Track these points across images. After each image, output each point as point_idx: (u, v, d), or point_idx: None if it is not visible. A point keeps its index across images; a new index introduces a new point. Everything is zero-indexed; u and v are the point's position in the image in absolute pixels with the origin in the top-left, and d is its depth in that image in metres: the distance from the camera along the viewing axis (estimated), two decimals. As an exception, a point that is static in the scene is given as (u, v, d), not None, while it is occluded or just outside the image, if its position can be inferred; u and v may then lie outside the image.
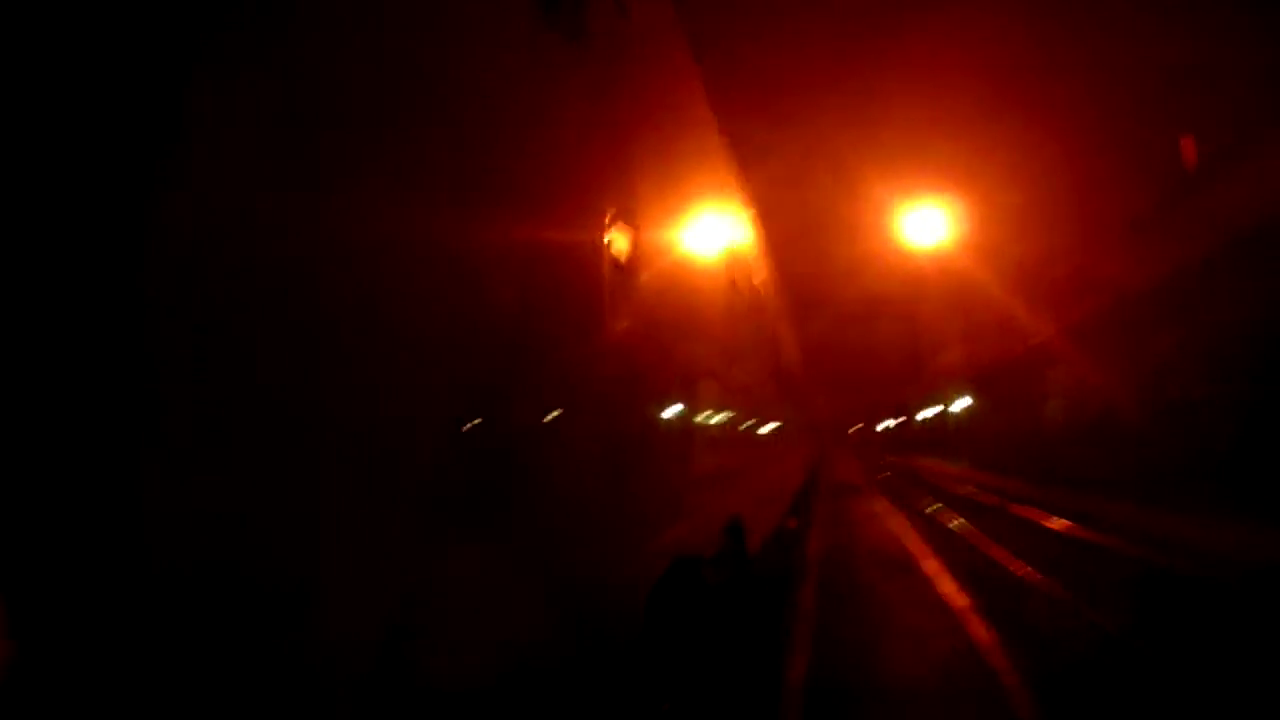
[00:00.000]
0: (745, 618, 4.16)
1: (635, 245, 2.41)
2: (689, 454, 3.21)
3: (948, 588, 6.06)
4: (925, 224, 21.91)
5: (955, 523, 10.74)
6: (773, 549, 6.11)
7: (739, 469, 4.69)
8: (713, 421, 3.78)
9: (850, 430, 73.50)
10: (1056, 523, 9.93)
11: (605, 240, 2.15)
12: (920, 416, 43.40)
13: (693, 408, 3.29)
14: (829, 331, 32.41)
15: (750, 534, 4.44)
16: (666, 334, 2.96)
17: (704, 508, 3.37)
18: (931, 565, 7.10)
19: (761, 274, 6.87)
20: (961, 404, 32.29)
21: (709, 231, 4.08)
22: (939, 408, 37.68)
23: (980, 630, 4.76)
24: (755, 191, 6.29)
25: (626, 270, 2.33)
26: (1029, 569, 6.60)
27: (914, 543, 8.80)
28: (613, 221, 2.20)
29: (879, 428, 65.88)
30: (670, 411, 2.93)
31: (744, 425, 5.18)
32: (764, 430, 6.62)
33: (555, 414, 1.76)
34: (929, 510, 12.90)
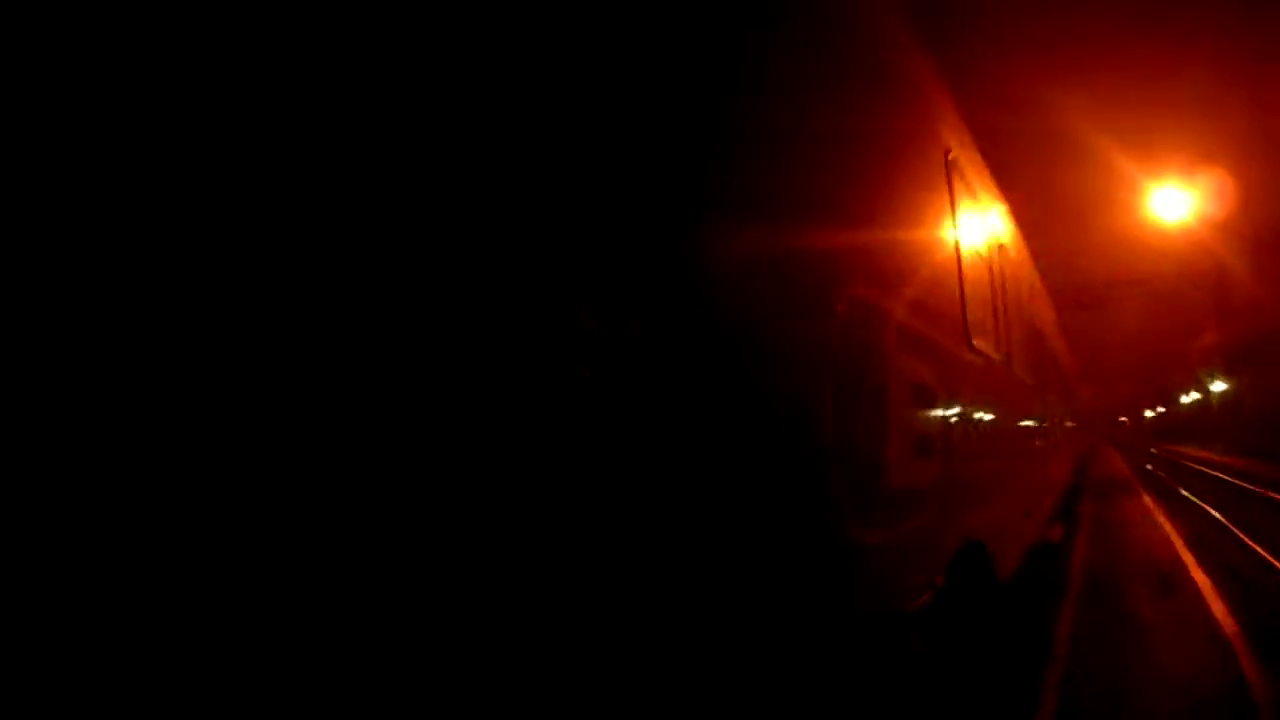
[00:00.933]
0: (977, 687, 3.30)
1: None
2: (911, 456, 2.64)
3: (1216, 608, 6.11)
4: (1177, 201, 20.94)
5: (1220, 518, 11.13)
6: (1029, 569, 5.73)
7: (988, 473, 4.11)
8: (952, 412, 3.22)
9: (1116, 420, 68.60)
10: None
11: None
12: (1183, 401, 41.03)
13: (928, 396, 2.85)
14: (1085, 318, 31.53)
15: (1003, 555, 4.08)
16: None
17: (920, 532, 2.69)
18: (1200, 578, 7.24)
19: (1018, 253, 6.47)
20: (1219, 387, 30.88)
21: (963, 208, 3.83)
22: (1197, 393, 35.84)
23: (1253, 673, 4.56)
24: (998, 170, 5.94)
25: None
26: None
27: (1180, 548, 8.94)
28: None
29: (1146, 415, 61.46)
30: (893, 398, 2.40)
31: (1000, 420, 4.61)
32: (1025, 424, 6.20)
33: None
34: (1195, 503, 13.31)
